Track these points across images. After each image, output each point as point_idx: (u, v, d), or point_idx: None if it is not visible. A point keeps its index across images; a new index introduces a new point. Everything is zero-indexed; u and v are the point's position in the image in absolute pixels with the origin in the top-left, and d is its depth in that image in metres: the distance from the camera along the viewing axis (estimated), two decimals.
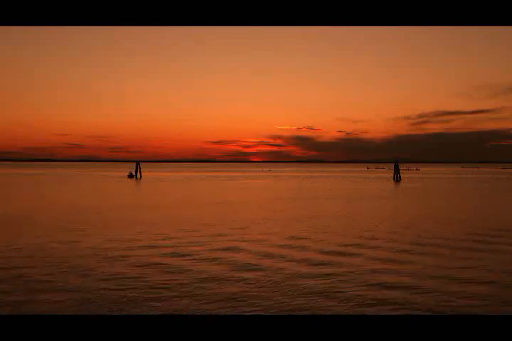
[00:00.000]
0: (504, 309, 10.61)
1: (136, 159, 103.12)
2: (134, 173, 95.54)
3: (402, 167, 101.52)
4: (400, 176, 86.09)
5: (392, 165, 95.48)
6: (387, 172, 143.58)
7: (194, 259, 15.69)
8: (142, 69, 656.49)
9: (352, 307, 10.70)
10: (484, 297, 11.51)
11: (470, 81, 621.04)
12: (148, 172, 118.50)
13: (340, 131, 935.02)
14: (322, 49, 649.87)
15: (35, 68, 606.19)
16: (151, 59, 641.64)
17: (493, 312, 10.28)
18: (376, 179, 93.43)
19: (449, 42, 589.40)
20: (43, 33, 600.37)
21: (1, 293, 11.58)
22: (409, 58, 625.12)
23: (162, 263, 14.98)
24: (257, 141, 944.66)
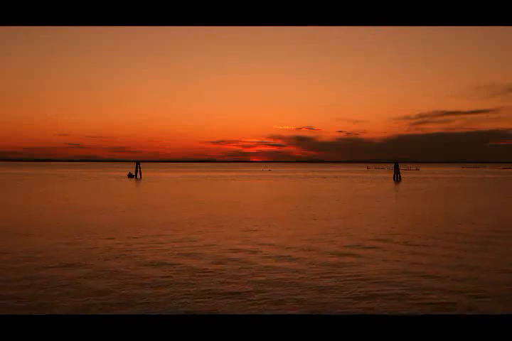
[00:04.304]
0: None
1: (136, 159, 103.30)
2: (133, 173, 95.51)
3: (401, 167, 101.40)
4: (400, 176, 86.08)
5: (392, 165, 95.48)
6: (387, 172, 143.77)
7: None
8: (142, 69, 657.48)
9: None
10: None
11: (470, 81, 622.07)
12: (148, 172, 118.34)
13: (340, 131, 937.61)
14: (322, 49, 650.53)
15: (35, 68, 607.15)
16: (152, 59, 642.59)
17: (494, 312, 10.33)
18: (376, 179, 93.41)
19: (448, 42, 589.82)
20: (44, 32, 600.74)
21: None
22: (408, 58, 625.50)
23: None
24: (257, 141, 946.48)
